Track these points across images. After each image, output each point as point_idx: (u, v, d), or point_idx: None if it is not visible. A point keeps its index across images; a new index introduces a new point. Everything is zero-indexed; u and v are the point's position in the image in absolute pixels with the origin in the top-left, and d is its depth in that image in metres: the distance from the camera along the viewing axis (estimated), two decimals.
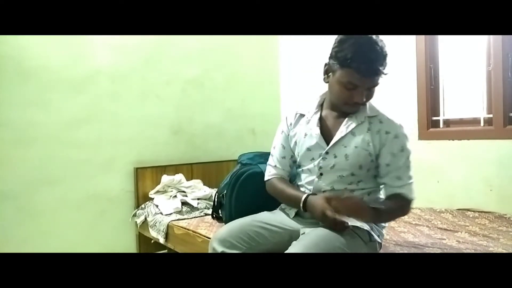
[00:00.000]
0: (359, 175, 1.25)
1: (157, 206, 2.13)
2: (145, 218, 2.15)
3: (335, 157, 1.24)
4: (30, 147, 2.02)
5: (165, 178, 2.23)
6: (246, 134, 2.81)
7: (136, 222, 2.24)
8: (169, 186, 2.24)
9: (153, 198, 2.24)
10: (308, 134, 1.30)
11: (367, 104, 1.26)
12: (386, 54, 1.16)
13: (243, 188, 1.63)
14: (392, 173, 1.23)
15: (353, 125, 1.25)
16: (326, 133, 1.28)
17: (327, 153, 1.25)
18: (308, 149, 1.29)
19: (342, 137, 1.24)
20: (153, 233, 2.05)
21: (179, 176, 2.27)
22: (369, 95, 1.22)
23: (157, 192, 2.25)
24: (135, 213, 2.26)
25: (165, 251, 2.22)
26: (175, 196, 2.16)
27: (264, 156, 1.99)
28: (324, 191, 1.25)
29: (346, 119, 1.26)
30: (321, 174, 1.26)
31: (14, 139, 1.98)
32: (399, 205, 1.23)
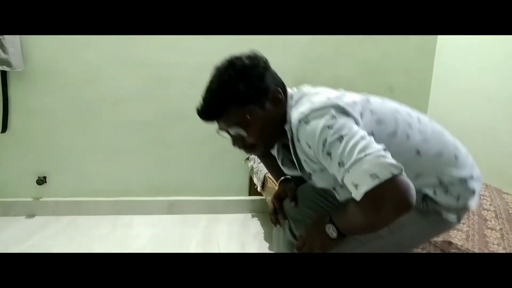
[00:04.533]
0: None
1: None
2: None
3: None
4: (167, 85, 2.31)
5: None
6: (382, 91, 2.47)
7: (248, 165, 2.34)
8: None
9: None
10: None
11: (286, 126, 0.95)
12: (220, 90, 0.95)
13: None
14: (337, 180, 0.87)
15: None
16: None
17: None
18: None
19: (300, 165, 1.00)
20: (255, 179, 2.12)
21: None
22: (241, 138, 0.98)
23: None
24: (248, 157, 2.35)
25: (264, 197, 2.28)
26: None
27: None
28: None
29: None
30: None
31: (155, 77, 2.29)
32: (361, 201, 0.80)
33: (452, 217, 0.96)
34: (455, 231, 1.31)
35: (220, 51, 2.34)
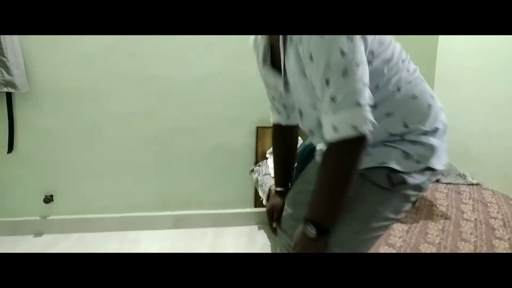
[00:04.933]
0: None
1: (269, 166, 2.16)
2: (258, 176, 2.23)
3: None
4: (169, 100, 2.32)
5: None
6: None
7: (253, 177, 2.34)
8: None
9: (267, 158, 2.28)
10: None
11: None
12: None
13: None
14: (320, 100, 0.86)
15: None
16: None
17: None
18: None
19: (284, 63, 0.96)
20: (260, 192, 2.12)
21: None
22: None
23: (271, 153, 2.27)
24: (253, 169, 2.35)
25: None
26: None
27: None
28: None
29: None
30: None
31: (158, 92, 2.30)
32: (333, 155, 0.87)
33: (419, 179, 0.93)
34: (463, 242, 1.30)
35: (221, 65, 2.38)
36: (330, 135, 0.84)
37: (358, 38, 0.80)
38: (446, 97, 2.39)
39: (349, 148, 0.83)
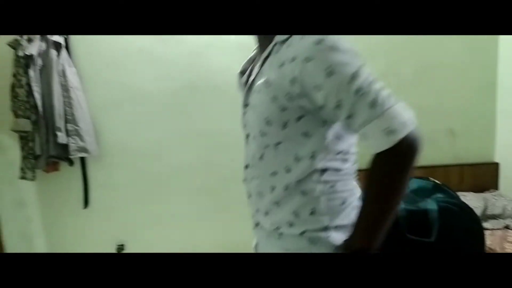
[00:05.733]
0: (272, 134, 0.86)
1: None
2: None
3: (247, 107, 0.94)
4: (225, 152, 2.43)
5: None
6: (441, 135, 2.37)
7: None
8: None
9: None
10: None
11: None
12: None
13: None
14: (341, 114, 0.78)
15: (260, 60, 0.89)
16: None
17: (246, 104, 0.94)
18: None
19: (254, 79, 0.91)
20: None
21: None
22: None
23: None
24: None
25: None
26: None
27: (429, 190, 1.70)
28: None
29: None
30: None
31: (214, 145, 2.43)
32: (385, 166, 0.77)
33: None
34: None
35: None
36: (385, 141, 0.75)
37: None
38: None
39: (411, 146, 0.76)
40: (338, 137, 0.85)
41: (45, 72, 2.22)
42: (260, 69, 0.89)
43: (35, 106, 2.19)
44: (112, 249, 2.52)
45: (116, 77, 2.35)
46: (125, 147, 2.42)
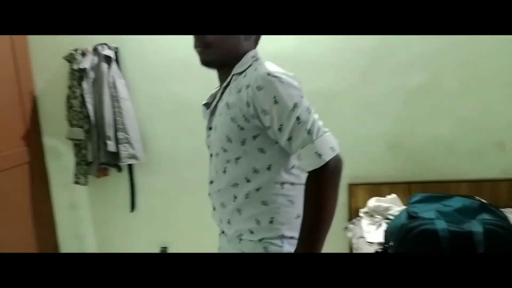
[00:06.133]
0: (233, 150, 1.00)
1: (363, 229, 2.16)
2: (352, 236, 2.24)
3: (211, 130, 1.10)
4: None
5: (372, 203, 2.20)
6: (489, 149, 2.28)
7: (347, 235, 2.36)
8: (375, 211, 2.20)
9: (361, 217, 2.27)
10: None
11: (251, 59, 1.03)
12: None
13: (413, 248, 1.44)
14: (282, 136, 0.94)
15: (220, 91, 1.06)
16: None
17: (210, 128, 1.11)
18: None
19: (214, 107, 1.08)
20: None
21: (388, 201, 2.18)
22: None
23: (366, 213, 2.26)
24: (347, 226, 2.37)
25: None
26: (380, 224, 2.11)
27: (440, 201, 1.67)
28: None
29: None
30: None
31: None
32: (315, 185, 0.93)
33: None
34: None
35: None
36: (316, 162, 0.90)
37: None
38: None
39: (336, 167, 0.92)
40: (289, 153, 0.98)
41: (97, 84, 2.36)
42: (220, 97, 1.05)
43: (87, 116, 2.35)
44: (156, 251, 2.65)
45: (162, 88, 2.46)
46: (170, 155, 2.53)
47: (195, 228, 2.61)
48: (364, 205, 2.32)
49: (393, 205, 2.17)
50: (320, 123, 0.94)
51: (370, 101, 2.34)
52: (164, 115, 2.49)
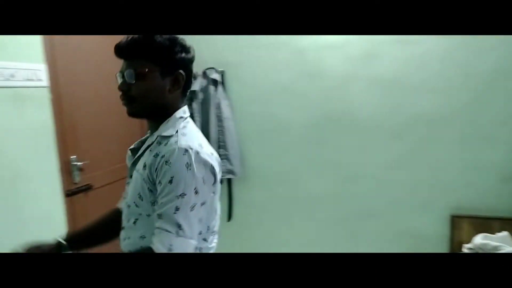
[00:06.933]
0: (143, 207, 1.03)
1: None
2: None
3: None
4: (356, 184, 2.46)
5: (478, 240, 2.01)
6: None
7: None
8: (481, 249, 2.00)
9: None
10: None
11: (178, 121, 1.06)
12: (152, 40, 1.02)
13: None
14: (157, 210, 0.97)
15: (146, 144, 1.08)
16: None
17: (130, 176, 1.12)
18: None
19: (137, 158, 1.10)
20: None
21: (498, 240, 1.97)
22: (128, 87, 1.03)
23: (470, 249, 2.08)
24: None
25: None
26: None
27: None
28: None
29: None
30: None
31: (345, 176, 2.48)
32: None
33: None
34: None
35: (410, 150, 2.35)
36: (154, 247, 0.95)
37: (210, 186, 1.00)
38: None
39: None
40: (199, 220, 1.00)
41: (205, 105, 2.61)
42: (144, 152, 1.08)
43: None
44: None
45: (261, 109, 2.61)
46: (265, 172, 2.66)
47: (284, 243, 2.70)
48: (468, 240, 2.14)
49: (504, 244, 1.96)
50: (195, 225, 0.97)
51: (480, 129, 2.16)
52: (261, 134, 2.63)
